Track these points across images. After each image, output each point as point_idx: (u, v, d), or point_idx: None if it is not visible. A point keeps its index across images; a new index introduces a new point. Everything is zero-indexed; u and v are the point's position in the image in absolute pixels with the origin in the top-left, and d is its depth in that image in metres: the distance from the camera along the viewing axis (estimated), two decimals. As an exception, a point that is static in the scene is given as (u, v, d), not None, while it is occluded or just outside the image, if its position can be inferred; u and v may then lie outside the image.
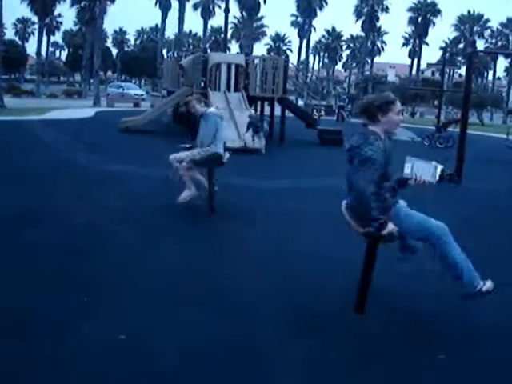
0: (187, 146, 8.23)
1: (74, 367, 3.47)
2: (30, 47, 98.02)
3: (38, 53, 59.39)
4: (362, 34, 75.06)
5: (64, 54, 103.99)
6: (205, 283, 5.09)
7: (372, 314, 4.45)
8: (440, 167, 4.64)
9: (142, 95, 48.46)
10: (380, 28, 78.87)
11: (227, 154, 8.15)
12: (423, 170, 4.46)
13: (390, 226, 4.18)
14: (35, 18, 66.69)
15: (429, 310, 4.79)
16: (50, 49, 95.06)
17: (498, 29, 75.53)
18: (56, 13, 73.83)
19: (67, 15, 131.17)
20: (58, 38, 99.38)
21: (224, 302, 4.66)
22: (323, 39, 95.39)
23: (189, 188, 8.05)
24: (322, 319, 4.39)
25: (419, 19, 74.71)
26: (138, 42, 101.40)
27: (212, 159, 7.92)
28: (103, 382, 3.36)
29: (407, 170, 4.43)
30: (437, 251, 4.25)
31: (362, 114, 4.41)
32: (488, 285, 4.26)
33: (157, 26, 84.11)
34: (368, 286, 4.47)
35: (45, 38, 72.97)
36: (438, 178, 4.56)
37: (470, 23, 76.20)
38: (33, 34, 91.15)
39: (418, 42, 76.27)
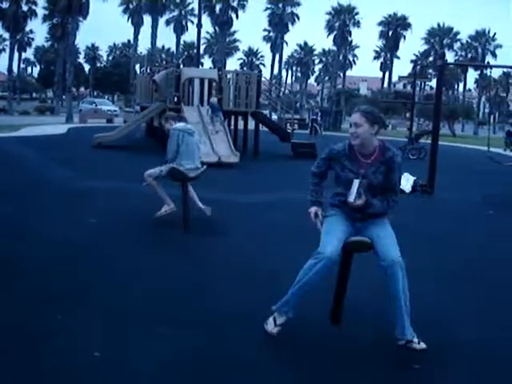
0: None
1: (48, 386, 3.43)
2: (1, 64, 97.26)
3: (10, 69, 58.86)
4: (334, 48, 75.74)
5: (36, 71, 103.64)
6: (181, 300, 5.06)
7: (348, 324, 4.46)
8: (412, 178, 4.70)
9: (115, 111, 48.25)
10: (351, 42, 79.64)
11: (202, 169, 8.12)
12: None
13: (313, 209, 4.47)
14: (6, 35, 66.34)
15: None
16: (22, 65, 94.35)
17: (467, 41, 76.78)
18: (27, 29, 73.38)
19: (39, 31, 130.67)
20: (29, 54, 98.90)
21: (200, 318, 4.63)
22: (295, 53, 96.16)
23: (167, 203, 8.06)
24: (301, 332, 4.38)
25: (390, 33, 75.64)
26: (110, 57, 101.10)
27: (172, 174, 7.89)
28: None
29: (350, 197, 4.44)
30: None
31: None
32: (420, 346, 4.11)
33: (129, 41, 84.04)
34: (343, 296, 4.48)
35: (16, 55, 72.44)
36: (410, 188, 4.62)
37: (440, 36, 77.34)
38: (4, 50, 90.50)
39: (389, 55, 77.19)
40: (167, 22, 73.99)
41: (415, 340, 4.10)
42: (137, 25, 67.61)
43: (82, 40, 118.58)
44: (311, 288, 4.20)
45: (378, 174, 4.23)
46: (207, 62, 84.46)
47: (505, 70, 75.98)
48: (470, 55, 75.65)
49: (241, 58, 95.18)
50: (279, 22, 72.93)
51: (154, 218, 8.01)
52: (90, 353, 3.84)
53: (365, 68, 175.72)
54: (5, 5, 56.54)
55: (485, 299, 5.45)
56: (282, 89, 42.96)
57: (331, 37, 73.62)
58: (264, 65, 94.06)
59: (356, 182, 4.19)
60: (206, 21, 65.87)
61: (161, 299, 5.03)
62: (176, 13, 74.19)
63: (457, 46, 77.63)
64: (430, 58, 77.67)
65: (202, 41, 62.10)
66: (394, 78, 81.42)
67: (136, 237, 7.41)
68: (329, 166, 4.46)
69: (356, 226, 4.34)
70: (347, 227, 4.30)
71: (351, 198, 4.21)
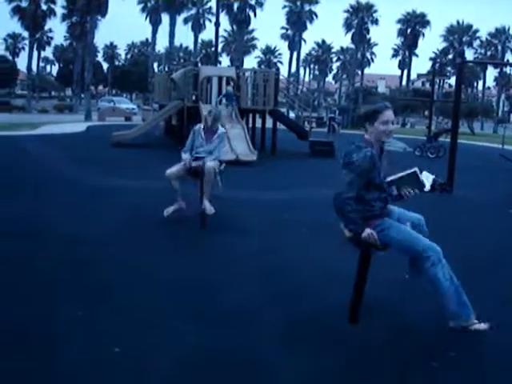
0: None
1: (68, 381, 3.46)
2: (21, 62, 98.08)
3: (29, 68, 59.36)
4: (352, 45, 75.35)
5: (55, 69, 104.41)
6: (199, 296, 5.08)
7: (366, 323, 4.45)
8: (431, 177, 4.68)
9: (133, 109, 48.50)
10: (370, 40, 79.23)
11: (222, 166, 8.22)
12: (407, 182, 4.52)
13: (368, 231, 4.22)
14: (26, 34, 66.89)
15: (423, 318, 4.78)
16: (41, 64, 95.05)
17: (486, 39, 76.06)
18: (46, 28, 73.86)
19: (58, 30, 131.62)
20: (48, 53, 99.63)
21: (218, 314, 4.65)
22: (313, 51, 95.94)
23: (176, 201, 8.11)
24: (317, 329, 4.38)
25: (408, 30, 75.15)
26: (128, 56, 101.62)
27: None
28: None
29: (394, 192, 4.49)
30: (424, 273, 4.27)
31: (360, 124, 4.48)
32: (481, 326, 4.24)
33: (147, 40, 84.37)
34: (361, 295, 4.48)
35: (35, 53, 73.06)
36: (429, 187, 4.60)
37: (459, 33, 76.68)
38: (23, 49, 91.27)
39: (407, 53, 76.69)
40: (185, 21, 74.10)
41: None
42: (155, 23, 67.85)
43: (101, 39, 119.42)
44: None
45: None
46: (225, 61, 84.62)
47: (525, 67, 75.19)
48: (489, 53, 74.95)
49: (258, 56, 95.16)
50: (297, 20, 72.78)
51: (168, 216, 8.03)
52: (110, 348, 3.87)
53: (383, 66, 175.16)
54: (24, 4, 57.06)
55: (506, 296, 5.41)
56: (300, 87, 42.85)
57: (349, 35, 73.25)
58: (282, 63, 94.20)
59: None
60: (223, 19, 65.93)
61: (178, 295, 5.06)
62: (194, 11, 74.26)
63: (476, 43, 76.93)
64: (449, 56, 77.07)
65: (220, 39, 62.29)
66: (413, 76, 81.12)
67: (154, 233, 7.44)
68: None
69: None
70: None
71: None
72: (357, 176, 4.19)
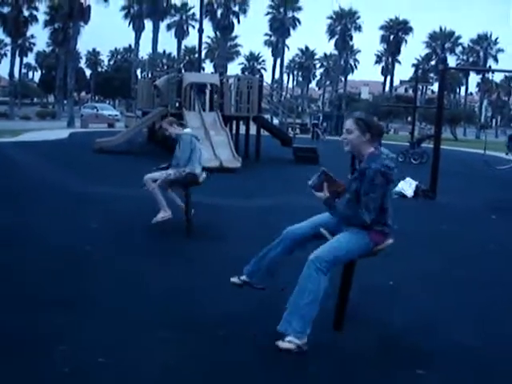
0: (162, 166, 8.23)
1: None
2: (3, 69, 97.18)
3: (11, 74, 58.92)
4: (336, 52, 75.82)
5: (37, 76, 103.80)
6: (185, 305, 5.05)
7: (351, 330, 4.45)
8: (414, 183, 4.69)
9: (116, 116, 48.30)
10: (353, 46, 79.74)
11: (204, 175, 8.14)
12: (329, 182, 4.40)
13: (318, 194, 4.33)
14: (8, 40, 66.47)
15: (407, 324, 4.79)
16: (23, 70, 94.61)
17: (468, 45, 76.82)
18: (29, 34, 73.56)
19: (40, 36, 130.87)
20: (31, 59, 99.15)
21: (204, 323, 4.62)
22: (297, 58, 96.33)
23: (164, 210, 8.04)
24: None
25: (391, 37, 75.73)
26: (111, 62, 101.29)
27: (187, 180, 7.91)
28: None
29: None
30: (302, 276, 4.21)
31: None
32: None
33: (130, 46, 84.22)
34: (346, 302, 4.47)
35: (17, 60, 72.58)
36: (412, 193, 4.62)
37: (442, 40, 77.36)
38: (5, 55, 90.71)
39: (390, 59, 77.27)
40: (168, 27, 74.21)
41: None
42: (138, 29, 67.73)
43: (84, 45, 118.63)
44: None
45: (353, 182, 4.22)
46: (208, 67, 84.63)
47: (507, 74, 76.03)
48: (471, 59, 75.70)
49: (242, 63, 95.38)
50: (280, 27, 73.00)
51: (152, 224, 7.99)
52: (94, 358, 3.83)
53: (366, 72, 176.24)
54: (6, 10, 56.70)
55: (490, 304, 5.42)
56: (284, 93, 42.99)
57: (332, 41, 73.74)
58: (265, 69, 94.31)
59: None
60: (207, 25, 66.07)
61: (163, 304, 5.02)
62: (177, 17, 74.41)
63: (458, 49, 77.71)
64: (432, 62, 77.72)
65: (204, 45, 62.17)
66: (396, 82, 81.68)
67: (138, 242, 7.39)
68: None
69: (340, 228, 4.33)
70: (328, 223, 4.40)
71: (309, 181, 4.38)
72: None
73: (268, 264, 4.59)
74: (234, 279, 4.78)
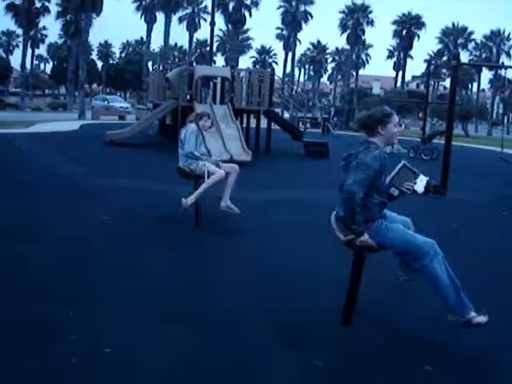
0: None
1: (59, 380, 3.43)
2: (15, 60, 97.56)
3: (23, 65, 59.20)
4: (347, 46, 75.50)
5: (49, 67, 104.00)
6: (192, 298, 5.05)
7: (359, 325, 4.44)
8: (426, 179, 4.67)
9: (127, 108, 48.35)
10: (365, 41, 79.39)
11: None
12: (402, 177, 4.54)
13: (365, 237, 4.23)
14: (20, 31, 66.70)
15: (416, 321, 4.77)
16: (35, 62, 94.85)
17: (481, 41, 76.28)
18: (41, 25, 73.83)
19: (52, 28, 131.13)
20: (42, 50, 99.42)
21: (212, 316, 4.63)
22: (308, 52, 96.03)
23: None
24: (310, 332, 4.37)
25: (404, 32, 75.28)
26: (123, 54, 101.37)
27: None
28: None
29: (395, 193, 4.49)
30: (422, 269, 4.24)
31: (362, 129, 4.45)
32: (480, 318, 4.19)
33: (142, 38, 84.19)
34: (355, 298, 4.46)
35: (29, 51, 72.85)
36: (423, 189, 4.59)
37: (454, 36, 76.81)
38: (17, 46, 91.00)
39: (402, 54, 76.83)
40: (180, 20, 74.05)
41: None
42: (150, 22, 67.65)
43: (95, 37, 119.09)
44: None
45: None
46: (220, 60, 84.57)
47: (519, 70, 75.51)
48: (484, 55, 75.17)
49: (253, 56, 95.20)
50: (292, 21, 72.81)
51: (162, 216, 7.98)
52: (100, 349, 3.84)
53: (378, 67, 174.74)
54: (18, 1, 56.90)
55: (500, 302, 5.39)
56: (295, 87, 42.93)
57: (344, 35, 73.37)
58: (277, 63, 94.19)
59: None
60: (219, 18, 65.97)
61: (171, 297, 5.03)
62: (189, 10, 74.22)
63: (471, 45, 77.13)
64: (444, 58, 77.21)
65: (215, 38, 62.10)
66: (408, 78, 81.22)
67: (147, 234, 7.40)
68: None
69: None
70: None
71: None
72: (367, 177, 4.19)
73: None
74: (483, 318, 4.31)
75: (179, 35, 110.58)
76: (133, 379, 3.52)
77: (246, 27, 77.04)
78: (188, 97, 19.88)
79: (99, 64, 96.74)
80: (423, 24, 75.31)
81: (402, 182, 4.53)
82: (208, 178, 7.84)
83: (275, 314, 4.71)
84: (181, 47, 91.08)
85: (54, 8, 58.29)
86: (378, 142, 4.37)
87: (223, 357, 3.89)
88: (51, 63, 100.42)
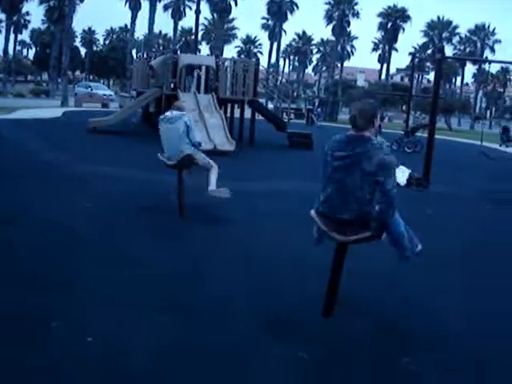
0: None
1: (43, 371, 3.42)
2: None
3: (5, 51, 58.67)
4: (333, 38, 75.51)
5: (32, 53, 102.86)
6: (180, 287, 5.06)
7: (342, 316, 4.46)
8: (407, 171, 4.71)
9: (110, 95, 47.95)
10: (350, 33, 79.55)
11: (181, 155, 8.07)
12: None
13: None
14: (3, 16, 65.88)
15: (396, 312, 4.81)
16: (18, 47, 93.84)
17: (466, 35, 76.73)
18: (24, 11, 72.90)
19: (35, 13, 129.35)
20: (25, 36, 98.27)
21: (199, 305, 4.63)
22: (294, 43, 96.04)
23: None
24: (296, 323, 4.39)
25: (389, 25, 75.44)
26: (107, 41, 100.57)
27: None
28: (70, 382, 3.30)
29: None
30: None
31: (361, 120, 4.31)
32: (419, 247, 4.66)
33: (126, 26, 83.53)
34: (335, 290, 4.48)
35: (12, 36, 72.05)
36: (405, 181, 4.64)
37: (439, 29, 77.21)
38: (0, 32, 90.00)
39: (387, 47, 77.02)
40: (165, 8, 73.58)
41: None
42: (134, 9, 67.12)
43: (79, 23, 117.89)
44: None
45: None
46: (205, 49, 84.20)
47: (503, 65, 76.08)
48: (468, 49, 75.60)
49: (238, 46, 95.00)
50: (278, 11, 72.70)
51: (145, 205, 7.96)
52: (83, 338, 3.83)
53: (363, 59, 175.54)
54: (1, -14, 56.21)
55: (477, 289, 5.45)
56: (279, 78, 42.81)
57: (330, 27, 73.38)
58: (262, 53, 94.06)
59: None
60: (204, 7, 65.49)
61: (158, 286, 5.02)
62: (174, -2, 73.74)
63: (456, 39, 77.62)
64: (429, 51, 77.58)
65: (200, 27, 61.79)
66: (392, 70, 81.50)
67: (132, 222, 7.38)
68: None
69: None
70: None
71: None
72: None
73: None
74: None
75: (164, 23, 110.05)
76: (114, 366, 3.51)
77: (231, 16, 76.83)
78: (172, 85, 19.79)
79: (83, 51, 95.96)
80: (408, 17, 75.56)
81: None
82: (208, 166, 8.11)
83: (262, 304, 4.72)
84: (165, 35, 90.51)
85: (37, -7, 57.71)
86: (371, 135, 4.32)
87: (210, 347, 3.89)
88: (34, 49, 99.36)
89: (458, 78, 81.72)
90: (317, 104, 47.85)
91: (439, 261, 6.41)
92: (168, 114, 8.09)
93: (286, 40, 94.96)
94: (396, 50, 78.15)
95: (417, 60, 76.08)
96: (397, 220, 4.47)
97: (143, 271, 5.40)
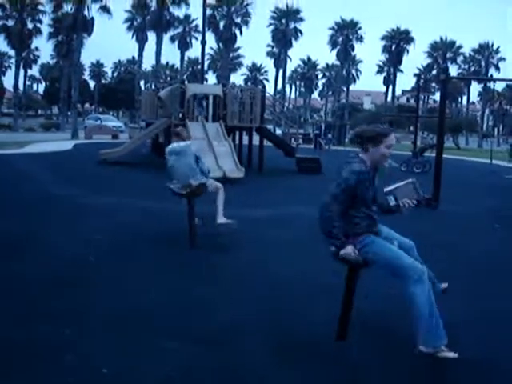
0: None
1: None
2: (7, 81, 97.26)
3: (15, 86, 59.20)
4: (338, 62, 75.98)
5: (41, 88, 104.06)
6: (187, 314, 5.09)
7: (355, 339, 4.47)
8: (417, 182, 4.68)
9: (120, 127, 48.42)
10: (355, 56, 79.95)
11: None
12: (405, 193, 4.51)
13: (348, 249, 4.20)
14: (12, 52, 66.79)
15: (412, 334, 4.82)
16: (28, 82, 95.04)
17: (470, 54, 76.91)
18: (33, 46, 73.88)
19: (44, 48, 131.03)
20: (35, 71, 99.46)
21: (207, 332, 4.66)
22: (299, 68, 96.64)
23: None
24: (305, 348, 4.40)
25: (393, 47, 75.89)
26: (115, 74, 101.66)
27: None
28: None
29: (392, 202, 4.50)
30: (404, 291, 4.22)
31: (355, 142, 4.43)
32: (449, 354, 4.18)
33: (134, 58, 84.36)
34: (349, 312, 4.48)
35: (22, 72, 73.00)
36: (420, 192, 4.60)
37: (443, 50, 77.49)
38: (9, 67, 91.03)
39: (392, 69, 77.36)
40: (172, 39, 74.35)
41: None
42: (141, 42, 67.85)
43: (87, 57, 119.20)
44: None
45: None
46: (211, 78, 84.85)
47: (508, 82, 76.10)
48: (473, 68, 75.74)
49: (245, 74, 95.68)
50: (282, 38, 73.23)
51: (156, 234, 8.01)
52: (98, 369, 3.87)
53: (368, 82, 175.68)
54: (10, 22, 57.06)
55: (488, 313, 5.45)
56: (286, 103, 43.14)
57: (334, 52, 73.85)
58: (268, 80, 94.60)
59: (416, 182, 4.48)
60: (210, 37, 66.08)
61: (168, 315, 5.06)
62: (180, 29, 74.54)
63: (460, 59, 77.78)
64: (433, 72, 77.83)
65: (206, 57, 62.48)
66: (398, 92, 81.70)
67: (142, 253, 7.42)
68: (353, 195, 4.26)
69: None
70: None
71: (388, 188, 4.52)
72: (341, 191, 4.19)
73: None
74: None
75: (171, 54, 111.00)
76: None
77: (236, 45, 77.34)
78: (180, 115, 19.99)
79: (91, 84, 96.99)
80: (412, 39, 76.02)
81: (403, 196, 4.51)
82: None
83: (274, 328, 4.74)
84: (172, 66, 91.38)
85: (45, 29, 58.58)
86: (365, 158, 4.33)
87: (222, 374, 3.92)
88: (44, 84, 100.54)
89: (464, 97, 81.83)
90: (323, 128, 47.97)
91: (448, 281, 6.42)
92: (175, 145, 8.21)
93: (291, 66, 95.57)
94: (401, 71, 78.56)
95: (422, 81, 76.34)
96: (380, 249, 4.30)
97: (154, 300, 5.44)
